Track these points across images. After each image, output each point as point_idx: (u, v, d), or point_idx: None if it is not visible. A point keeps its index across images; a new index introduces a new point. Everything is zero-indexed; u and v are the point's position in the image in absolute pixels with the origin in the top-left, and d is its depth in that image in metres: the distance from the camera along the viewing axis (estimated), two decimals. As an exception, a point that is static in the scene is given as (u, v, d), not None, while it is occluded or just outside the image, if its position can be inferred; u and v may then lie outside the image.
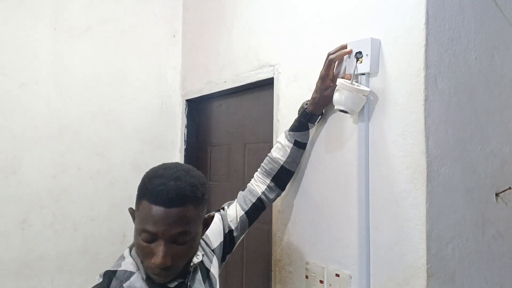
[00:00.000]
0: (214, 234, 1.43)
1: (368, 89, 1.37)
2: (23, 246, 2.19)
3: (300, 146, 1.59)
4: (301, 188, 1.67)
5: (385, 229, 1.35)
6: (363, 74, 1.39)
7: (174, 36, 2.65)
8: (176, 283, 1.17)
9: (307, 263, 1.63)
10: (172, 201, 1.07)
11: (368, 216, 1.40)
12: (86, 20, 2.38)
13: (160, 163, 2.59)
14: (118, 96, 2.45)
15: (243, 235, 1.55)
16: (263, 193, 1.57)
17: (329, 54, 1.49)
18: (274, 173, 1.59)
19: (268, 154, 1.63)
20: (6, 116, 2.18)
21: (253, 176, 1.64)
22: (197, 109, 2.60)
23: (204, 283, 1.27)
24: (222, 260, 1.46)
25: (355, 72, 1.39)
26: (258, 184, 1.60)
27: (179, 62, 2.66)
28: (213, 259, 1.38)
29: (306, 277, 1.63)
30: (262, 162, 2.04)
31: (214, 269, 1.36)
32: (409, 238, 1.28)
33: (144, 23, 2.55)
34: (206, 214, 1.21)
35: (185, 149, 2.60)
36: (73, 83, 2.33)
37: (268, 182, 1.59)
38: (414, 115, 1.28)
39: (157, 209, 1.07)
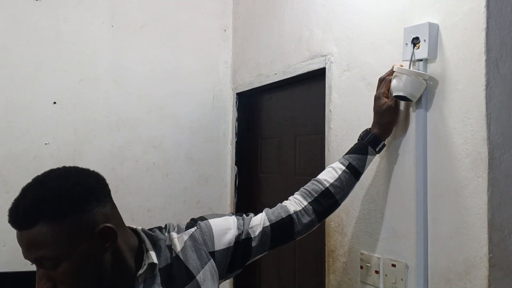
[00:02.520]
0: (221, 235, 1.23)
1: (428, 74, 1.35)
2: (83, 235, 2.29)
3: (353, 172, 1.41)
4: (355, 178, 1.66)
5: (444, 219, 1.32)
6: (421, 60, 1.37)
7: (225, 30, 2.69)
8: None
9: (361, 254, 1.62)
10: (18, 223, 0.95)
11: (426, 206, 1.37)
12: (141, 17, 2.46)
13: (213, 155, 2.68)
14: (172, 90, 2.52)
15: (261, 255, 1.32)
16: (295, 212, 1.34)
17: (381, 78, 1.47)
18: (316, 195, 1.37)
19: (313, 178, 1.43)
20: (67, 110, 2.30)
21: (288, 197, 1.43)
22: (248, 102, 2.63)
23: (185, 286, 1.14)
24: (228, 271, 1.25)
25: (413, 59, 1.37)
26: (293, 203, 1.37)
27: (230, 56, 2.70)
28: (208, 263, 1.19)
29: (361, 267, 1.62)
30: (313, 154, 2.05)
31: (204, 275, 1.17)
32: (469, 228, 1.25)
33: (196, 19, 2.60)
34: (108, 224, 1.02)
35: (236, 142, 2.63)
36: (130, 79, 2.42)
37: (305, 204, 1.36)
38: (475, 101, 1.25)
39: (15, 231, 0.97)
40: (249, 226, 1.28)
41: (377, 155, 1.47)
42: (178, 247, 1.17)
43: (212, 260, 1.20)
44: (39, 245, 0.94)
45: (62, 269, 0.96)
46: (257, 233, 1.28)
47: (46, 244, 0.94)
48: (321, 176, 1.42)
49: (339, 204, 1.43)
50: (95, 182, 1.05)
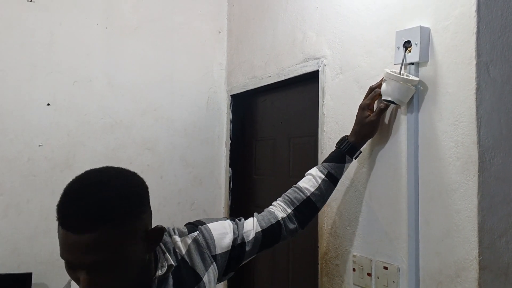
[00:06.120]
0: (220, 239, 1.27)
1: (417, 79, 1.36)
2: (77, 237, 2.28)
3: (332, 180, 1.48)
4: (348, 180, 1.67)
5: (435, 221, 1.33)
6: (412, 63, 1.38)
7: (220, 32, 2.69)
8: None
9: (354, 256, 1.63)
10: (79, 225, 0.90)
11: (417, 208, 1.38)
12: (136, 19, 2.46)
13: (207, 157, 2.67)
14: (166, 92, 2.52)
15: (250, 258, 1.38)
16: (283, 219, 1.42)
17: (371, 87, 1.50)
18: (298, 204, 1.44)
19: (294, 185, 1.50)
20: (61, 112, 2.29)
21: (272, 202, 1.50)
22: (242, 104, 2.63)
23: None
24: (224, 274, 1.29)
25: (404, 62, 1.38)
26: (279, 210, 1.44)
27: (224, 58, 2.70)
28: (211, 266, 1.23)
29: (353, 270, 1.62)
30: (307, 156, 2.06)
31: (209, 277, 1.20)
32: (460, 230, 1.26)
33: (190, 21, 2.61)
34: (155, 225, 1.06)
35: (231, 144, 2.63)
36: (124, 80, 2.42)
37: (289, 212, 1.43)
38: (465, 104, 1.25)
39: (66, 235, 0.91)
40: (243, 231, 1.34)
41: (354, 160, 1.54)
42: (183, 250, 1.20)
43: (214, 263, 1.24)
44: (102, 248, 0.91)
45: (118, 271, 0.94)
46: (250, 238, 1.34)
47: (109, 247, 0.92)
48: (302, 184, 1.48)
49: (319, 210, 1.52)
50: (142, 184, 1.04)
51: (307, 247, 1.99)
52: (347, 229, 1.67)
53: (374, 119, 1.47)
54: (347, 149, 1.49)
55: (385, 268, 1.49)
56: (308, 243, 1.96)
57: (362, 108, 1.50)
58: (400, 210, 1.45)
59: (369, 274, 1.55)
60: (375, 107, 1.51)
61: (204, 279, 1.18)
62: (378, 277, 1.51)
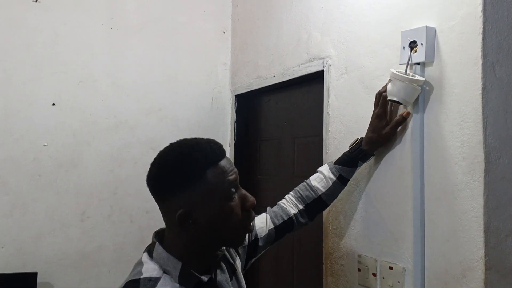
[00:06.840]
0: None
1: (422, 79, 1.36)
2: (82, 237, 2.30)
3: (343, 181, 1.55)
4: (353, 180, 1.66)
5: (440, 221, 1.33)
6: (418, 63, 1.37)
7: (224, 32, 2.69)
8: (208, 276, 1.08)
9: (359, 256, 1.63)
10: (223, 151, 1.13)
11: (423, 208, 1.38)
12: (139, 19, 2.47)
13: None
14: (170, 92, 2.53)
15: (262, 253, 1.44)
16: (295, 215, 1.50)
17: (379, 93, 1.49)
18: (309, 202, 1.53)
19: (306, 181, 1.57)
20: (66, 112, 2.30)
21: (284, 197, 1.57)
22: (247, 104, 2.63)
23: (231, 279, 1.18)
24: (243, 268, 1.35)
25: (410, 62, 1.38)
26: (291, 205, 1.52)
27: (228, 58, 2.70)
28: (237, 259, 1.28)
29: (359, 270, 1.62)
30: (311, 156, 2.06)
31: (238, 269, 1.26)
32: (466, 230, 1.26)
33: (194, 21, 2.61)
34: None
35: (235, 144, 2.63)
36: (129, 80, 2.43)
37: (301, 208, 1.52)
38: (471, 104, 1.25)
39: (224, 162, 1.09)
40: (257, 227, 1.40)
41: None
42: None
43: (238, 257, 1.29)
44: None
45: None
46: (263, 234, 1.41)
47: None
48: (314, 183, 1.55)
49: (328, 206, 1.60)
50: None
51: (312, 247, 2.00)
52: (352, 229, 1.67)
53: (391, 132, 1.48)
54: (360, 156, 1.53)
55: (391, 268, 1.48)
56: (313, 243, 1.96)
57: (379, 117, 1.48)
58: (405, 210, 1.45)
59: (374, 274, 1.55)
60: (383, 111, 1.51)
61: (237, 269, 1.23)
62: (383, 277, 1.51)
